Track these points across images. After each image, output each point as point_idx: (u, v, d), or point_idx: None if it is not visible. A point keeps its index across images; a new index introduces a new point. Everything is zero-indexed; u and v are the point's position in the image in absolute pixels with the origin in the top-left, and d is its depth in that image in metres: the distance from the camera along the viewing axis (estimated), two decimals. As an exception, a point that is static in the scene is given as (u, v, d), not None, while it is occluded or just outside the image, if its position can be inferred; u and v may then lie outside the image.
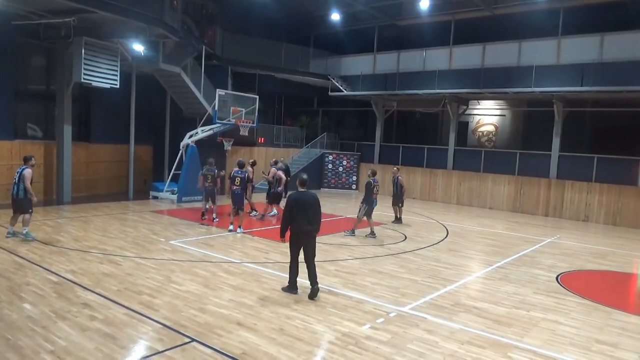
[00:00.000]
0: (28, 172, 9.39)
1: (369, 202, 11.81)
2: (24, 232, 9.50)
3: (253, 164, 14.45)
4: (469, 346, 5.59)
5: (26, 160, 9.62)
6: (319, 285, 7.04)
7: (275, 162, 14.88)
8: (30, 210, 9.56)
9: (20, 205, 9.47)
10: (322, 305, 6.69)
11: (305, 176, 7.41)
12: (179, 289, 7.10)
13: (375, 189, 11.94)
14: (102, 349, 4.98)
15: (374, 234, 11.87)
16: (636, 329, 6.50)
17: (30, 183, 9.39)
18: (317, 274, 7.06)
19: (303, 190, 7.18)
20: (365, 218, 11.93)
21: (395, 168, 13.84)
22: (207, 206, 12.93)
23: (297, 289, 7.16)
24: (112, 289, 6.91)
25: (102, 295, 6.63)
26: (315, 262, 7.13)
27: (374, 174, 12.25)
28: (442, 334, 5.93)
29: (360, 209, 11.97)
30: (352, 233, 11.98)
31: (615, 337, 6.15)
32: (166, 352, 5.00)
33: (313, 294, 6.91)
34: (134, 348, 5.17)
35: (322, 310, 6.52)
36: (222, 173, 14.27)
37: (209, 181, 12.58)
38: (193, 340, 5.34)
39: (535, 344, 5.79)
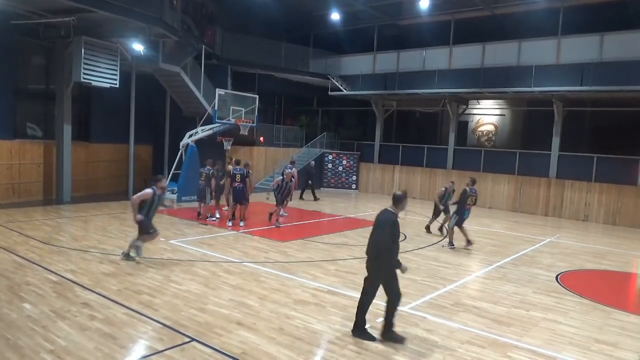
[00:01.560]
0: (144, 192, 8.22)
1: (460, 213, 10.99)
2: (137, 245, 8.51)
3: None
4: (468, 346, 5.60)
5: (154, 180, 8.50)
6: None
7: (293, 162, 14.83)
8: (152, 231, 8.46)
9: (139, 225, 8.42)
10: (322, 305, 6.68)
11: (399, 192, 5.81)
12: (178, 288, 7.10)
13: (470, 199, 10.94)
14: (102, 349, 4.98)
15: (453, 245, 11.10)
16: (635, 329, 6.50)
17: (154, 205, 8.28)
18: (317, 274, 6.88)
19: (388, 209, 5.75)
20: (452, 227, 11.16)
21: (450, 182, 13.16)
22: (202, 205, 13.11)
23: (366, 330, 5.68)
24: (112, 289, 6.91)
25: (102, 294, 6.63)
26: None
27: (473, 182, 11.18)
28: (441, 333, 5.94)
29: (450, 219, 11.27)
30: (452, 245, 11.11)
31: (615, 337, 6.16)
32: (166, 352, 5.00)
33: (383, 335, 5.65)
34: (134, 347, 5.17)
35: (322, 310, 6.51)
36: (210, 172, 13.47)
37: (202, 178, 12.78)
38: (193, 339, 5.34)
39: (534, 343, 5.79)
